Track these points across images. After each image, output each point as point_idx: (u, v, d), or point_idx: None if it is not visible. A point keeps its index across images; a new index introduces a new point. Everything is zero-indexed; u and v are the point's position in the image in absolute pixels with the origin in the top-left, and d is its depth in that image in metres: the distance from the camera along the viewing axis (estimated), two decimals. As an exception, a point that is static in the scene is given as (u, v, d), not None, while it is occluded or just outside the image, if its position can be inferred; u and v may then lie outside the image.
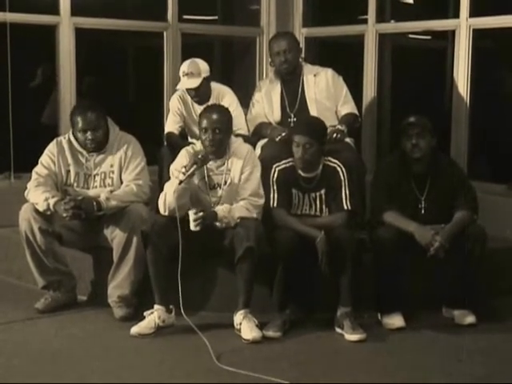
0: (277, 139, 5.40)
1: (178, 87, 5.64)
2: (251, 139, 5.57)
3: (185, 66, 5.50)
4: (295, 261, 4.68)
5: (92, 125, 4.96)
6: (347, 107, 5.69)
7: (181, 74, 5.52)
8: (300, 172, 4.90)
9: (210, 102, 5.41)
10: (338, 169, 4.91)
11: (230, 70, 7.70)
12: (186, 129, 5.75)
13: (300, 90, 5.70)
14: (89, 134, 4.96)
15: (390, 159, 5.20)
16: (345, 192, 4.86)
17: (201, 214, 4.62)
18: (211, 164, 4.85)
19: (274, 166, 4.94)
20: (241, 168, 4.86)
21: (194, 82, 5.46)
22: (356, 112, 5.74)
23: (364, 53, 6.64)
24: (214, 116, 4.82)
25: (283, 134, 5.38)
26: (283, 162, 4.95)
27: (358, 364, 4.31)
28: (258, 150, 5.49)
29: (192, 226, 4.61)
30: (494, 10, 5.91)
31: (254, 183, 4.87)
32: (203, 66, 5.49)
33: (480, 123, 6.28)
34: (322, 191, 4.91)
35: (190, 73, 5.45)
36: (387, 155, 6.11)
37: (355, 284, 4.70)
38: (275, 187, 4.89)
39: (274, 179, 4.91)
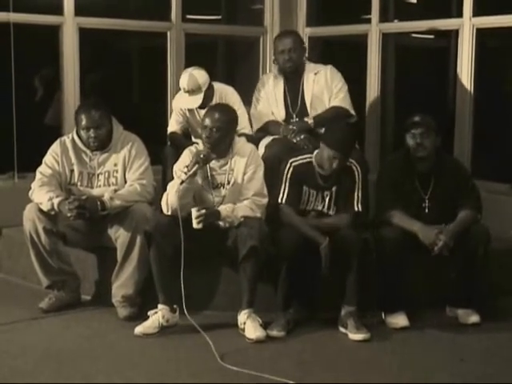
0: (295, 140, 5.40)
1: (181, 106, 5.60)
2: (255, 137, 5.57)
3: (184, 83, 5.41)
4: (299, 260, 4.68)
5: (95, 123, 4.96)
6: (336, 101, 5.65)
7: (181, 88, 5.48)
8: (319, 170, 4.87)
9: (213, 103, 5.41)
10: (354, 168, 4.89)
11: (234, 70, 7.70)
12: (190, 129, 5.74)
13: (301, 89, 5.70)
14: (91, 132, 4.97)
15: (394, 158, 5.20)
16: (357, 193, 4.85)
17: (203, 211, 4.62)
18: (214, 163, 4.85)
19: (290, 160, 4.89)
20: (244, 167, 4.86)
21: (197, 100, 5.42)
22: (345, 106, 5.66)
23: (367, 52, 6.64)
24: (216, 115, 4.82)
25: (302, 137, 5.39)
26: (300, 157, 4.91)
27: (362, 363, 4.31)
28: (262, 149, 5.49)
29: (194, 224, 4.61)
30: (498, 10, 5.91)
31: (257, 183, 4.87)
32: (202, 79, 5.41)
33: (483, 122, 6.27)
34: (334, 189, 4.89)
35: (191, 90, 5.41)
36: (391, 154, 6.11)
37: (361, 284, 4.70)
38: (287, 183, 4.85)
39: (289, 175, 4.86)
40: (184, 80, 5.42)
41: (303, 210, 4.88)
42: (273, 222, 4.85)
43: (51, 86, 6.93)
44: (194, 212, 4.62)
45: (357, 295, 4.70)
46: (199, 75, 5.42)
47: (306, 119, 5.55)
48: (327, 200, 4.90)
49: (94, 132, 4.97)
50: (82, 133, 5.01)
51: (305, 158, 4.90)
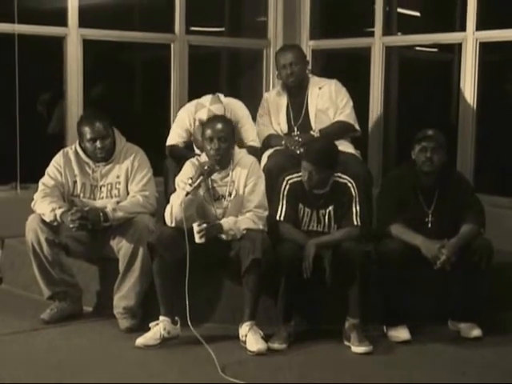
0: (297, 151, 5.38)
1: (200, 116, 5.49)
2: (261, 151, 5.58)
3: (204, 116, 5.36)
4: (298, 272, 4.66)
5: (101, 134, 4.98)
6: (342, 116, 5.66)
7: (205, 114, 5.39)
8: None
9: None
10: (349, 185, 4.88)
11: (237, 82, 7.71)
12: (194, 142, 5.70)
13: (305, 103, 5.71)
14: (98, 143, 4.98)
15: (399, 171, 5.18)
16: (355, 208, 4.83)
17: (204, 225, 4.62)
18: (215, 175, 4.85)
19: (286, 178, 4.91)
20: (245, 179, 4.87)
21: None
22: (350, 121, 5.67)
23: (371, 65, 6.65)
24: (219, 125, 4.84)
25: (299, 140, 5.41)
26: (295, 174, 4.90)
27: (363, 376, 4.29)
28: (265, 159, 5.49)
29: (197, 239, 4.61)
30: (501, 24, 5.92)
31: (259, 195, 4.87)
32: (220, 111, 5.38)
33: (487, 136, 6.27)
34: (331, 207, 4.88)
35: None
36: (394, 167, 6.11)
37: (364, 296, 4.70)
38: (285, 200, 4.86)
39: (285, 192, 4.87)
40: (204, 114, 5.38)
41: (301, 231, 4.87)
42: (273, 236, 4.85)
43: (55, 97, 6.95)
44: (196, 227, 4.62)
45: (360, 308, 4.69)
46: (216, 109, 5.38)
47: (312, 132, 5.55)
48: (326, 220, 4.88)
49: (101, 143, 4.98)
50: (88, 145, 5.01)
51: (299, 176, 4.89)
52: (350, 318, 4.69)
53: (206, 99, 5.50)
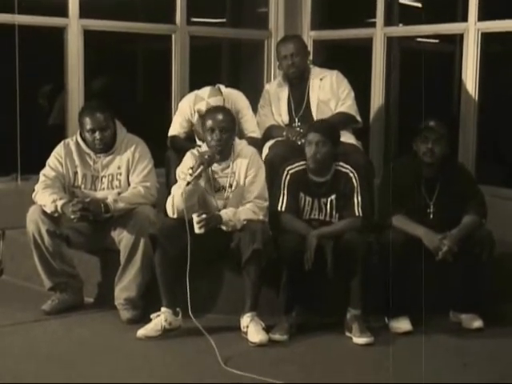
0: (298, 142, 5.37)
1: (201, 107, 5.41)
2: (262, 142, 5.56)
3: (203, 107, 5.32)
4: (300, 264, 4.66)
5: (100, 125, 4.97)
6: (343, 107, 5.66)
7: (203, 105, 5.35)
8: (311, 176, 4.88)
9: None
10: (351, 175, 4.88)
11: (238, 73, 7.70)
12: (196, 132, 5.70)
13: (306, 94, 5.70)
14: (97, 134, 4.97)
15: (400, 162, 5.18)
16: (357, 198, 4.83)
17: (203, 216, 4.62)
18: (216, 166, 4.85)
19: (287, 168, 4.91)
20: (245, 170, 4.86)
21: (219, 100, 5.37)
22: (351, 112, 5.67)
23: (372, 56, 6.63)
24: (220, 116, 4.83)
25: (301, 131, 5.38)
26: (296, 164, 4.91)
27: (365, 367, 4.31)
28: (266, 150, 5.49)
29: (196, 229, 4.61)
30: (503, 14, 5.90)
31: (259, 186, 4.87)
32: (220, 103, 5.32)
33: (488, 127, 6.26)
34: (333, 197, 4.88)
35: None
36: (396, 158, 6.10)
37: (365, 287, 4.69)
38: (285, 191, 4.86)
39: (286, 182, 4.87)
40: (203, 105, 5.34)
41: (302, 219, 4.86)
42: (274, 227, 4.85)
43: (56, 88, 6.93)
44: (195, 217, 4.61)
45: (362, 298, 4.70)
46: (215, 102, 5.33)
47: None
48: (328, 209, 4.88)
49: (100, 134, 4.98)
50: (87, 135, 5.01)
51: (300, 165, 4.89)
52: (352, 309, 4.70)
53: (205, 91, 5.47)
